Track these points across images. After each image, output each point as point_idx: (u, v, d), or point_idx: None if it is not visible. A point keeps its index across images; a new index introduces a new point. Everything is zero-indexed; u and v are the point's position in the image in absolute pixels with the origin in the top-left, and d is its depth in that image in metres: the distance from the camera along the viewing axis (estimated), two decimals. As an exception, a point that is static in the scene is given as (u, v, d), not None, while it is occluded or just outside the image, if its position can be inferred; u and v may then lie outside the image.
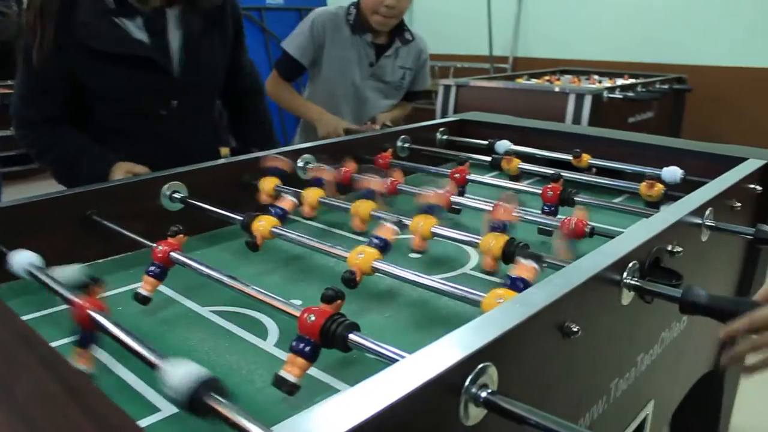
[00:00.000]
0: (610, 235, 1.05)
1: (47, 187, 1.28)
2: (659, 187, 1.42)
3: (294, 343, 0.74)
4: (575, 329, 0.74)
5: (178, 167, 1.34)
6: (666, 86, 3.99)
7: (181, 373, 0.58)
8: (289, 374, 0.73)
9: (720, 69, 4.60)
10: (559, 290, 0.72)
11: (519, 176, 1.67)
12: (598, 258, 0.83)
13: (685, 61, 4.69)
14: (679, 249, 1.01)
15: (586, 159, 1.64)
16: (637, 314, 0.95)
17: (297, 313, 0.76)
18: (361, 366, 0.83)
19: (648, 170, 1.51)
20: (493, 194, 1.49)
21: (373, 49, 2.27)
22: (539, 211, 1.32)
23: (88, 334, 0.76)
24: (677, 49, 4.75)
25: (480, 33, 5.56)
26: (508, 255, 1.02)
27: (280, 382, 0.73)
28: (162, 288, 1.08)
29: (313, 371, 0.82)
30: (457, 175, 1.49)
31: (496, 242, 1.03)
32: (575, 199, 1.29)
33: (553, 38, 5.34)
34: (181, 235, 1.02)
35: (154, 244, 1.02)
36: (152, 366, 0.67)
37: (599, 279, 0.80)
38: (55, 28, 1.44)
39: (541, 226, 1.30)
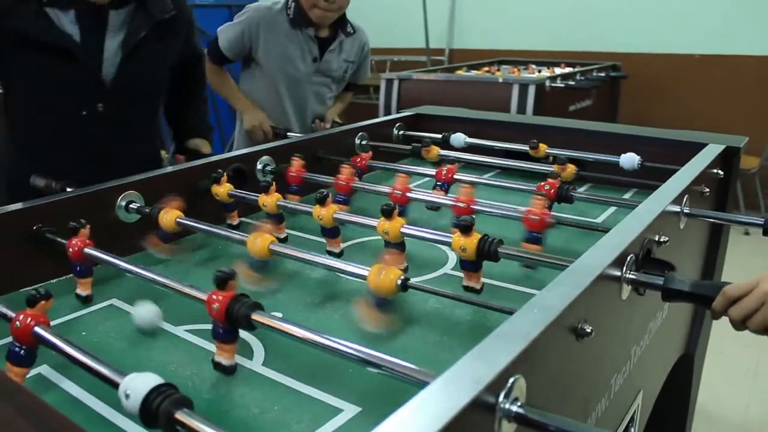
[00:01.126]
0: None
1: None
2: (571, 168, 1.43)
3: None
4: (588, 330, 0.71)
5: (133, 176, 1.26)
6: (603, 74, 4.07)
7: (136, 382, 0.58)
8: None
9: (650, 56, 4.73)
10: (572, 291, 0.69)
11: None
12: (601, 254, 0.80)
13: (617, 48, 4.80)
14: (666, 238, 1.00)
15: (544, 149, 1.63)
16: (632, 307, 0.93)
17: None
18: (358, 381, 0.78)
19: (608, 158, 1.52)
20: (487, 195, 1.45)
21: (315, 44, 2.19)
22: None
23: (30, 351, 0.74)
24: (609, 38, 4.86)
25: (415, 26, 5.54)
26: (482, 253, 0.98)
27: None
28: (129, 308, 1.01)
29: (310, 390, 0.77)
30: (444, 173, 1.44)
31: (468, 241, 0.99)
32: (573, 195, 1.27)
33: (488, 29, 5.38)
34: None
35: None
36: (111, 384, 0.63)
37: (605, 276, 0.78)
38: None
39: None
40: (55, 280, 1.12)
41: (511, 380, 0.56)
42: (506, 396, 0.55)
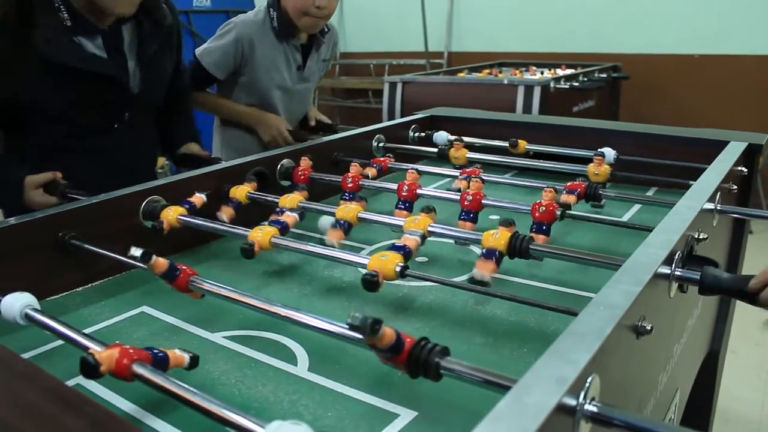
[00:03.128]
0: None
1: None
2: (605, 167, 1.42)
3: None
4: (648, 327, 0.70)
5: (154, 181, 1.24)
6: (605, 75, 4.07)
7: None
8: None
9: (649, 57, 4.74)
10: (633, 289, 0.68)
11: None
12: (653, 251, 0.79)
13: (616, 49, 4.80)
14: (705, 236, 0.99)
15: (523, 145, 1.62)
16: (676, 305, 0.92)
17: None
18: (411, 384, 0.76)
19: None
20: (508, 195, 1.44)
21: (299, 52, 2.13)
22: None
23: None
24: (608, 39, 4.86)
25: (414, 29, 5.54)
26: (513, 250, 0.98)
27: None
28: (161, 315, 0.98)
29: (361, 395, 0.75)
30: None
31: (500, 238, 0.98)
32: (601, 193, 1.26)
33: (487, 32, 5.38)
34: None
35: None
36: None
37: (659, 274, 0.76)
38: (12, 46, 1.35)
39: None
40: (81, 288, 1.10)
41: (589, 379, 0.55)
42: (585, 396, 0.54)
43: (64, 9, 1.40)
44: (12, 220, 1.04)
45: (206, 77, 2.09)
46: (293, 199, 1.25)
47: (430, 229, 1.07)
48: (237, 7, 5.89)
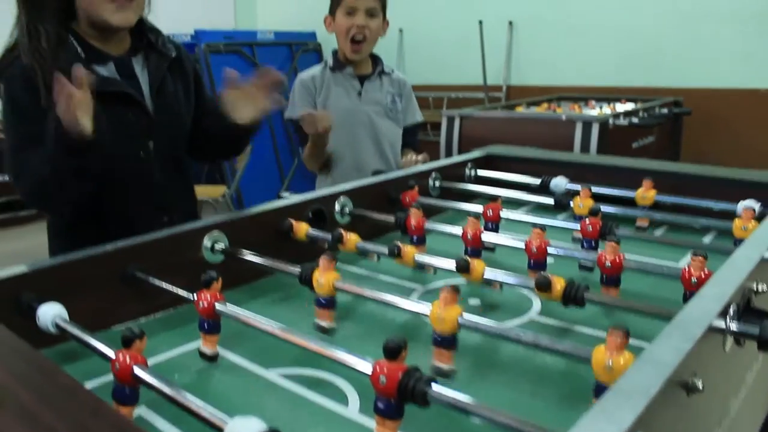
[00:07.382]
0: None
1: (33, 232, 1.22)
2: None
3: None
4: (700, 385, 0.69)
5: (216, 216, 1.29)
6: (666, 110, 4.00)
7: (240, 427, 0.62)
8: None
9: (713, 91, 4.63)
10: (684, 345, 0.68)
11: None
12: (706, 304, 0.78)
13: (678, 83, 4.72)
14: (764, 287, 0.97)
15: (652, 195, 1.57)
16: (732, 359, 0.90)
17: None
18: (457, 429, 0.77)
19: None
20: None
21: (357, 80, 2.36)
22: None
23: (131, 390, 0.79)
24: (670, 72, 4.78)
25: (472, 62, 5.58)
26: (568, 298, 0.98)
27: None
28: (218, 350, 1.02)
29: (408, 439, 0.76)
30: (490, 212, 1.45)
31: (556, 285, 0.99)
32: (616, 232, 1.25)
33: (546, 65, 5.37)
34: (216, 283, 0.98)
35: (193, 297, 0.99)
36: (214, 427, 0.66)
37: (712, 328, 0.75)
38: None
39: (581, 262, 1.26)
40: (143, 319, 1.14)
41: (634, 438, 0.55)
42: (630, 455, 0.54)
43: (77, 43, 1.54)
44: (82, 253, 1.10)
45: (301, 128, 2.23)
46: (354, 238, 1.28)
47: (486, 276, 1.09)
48: (300, 40, 6.07)
